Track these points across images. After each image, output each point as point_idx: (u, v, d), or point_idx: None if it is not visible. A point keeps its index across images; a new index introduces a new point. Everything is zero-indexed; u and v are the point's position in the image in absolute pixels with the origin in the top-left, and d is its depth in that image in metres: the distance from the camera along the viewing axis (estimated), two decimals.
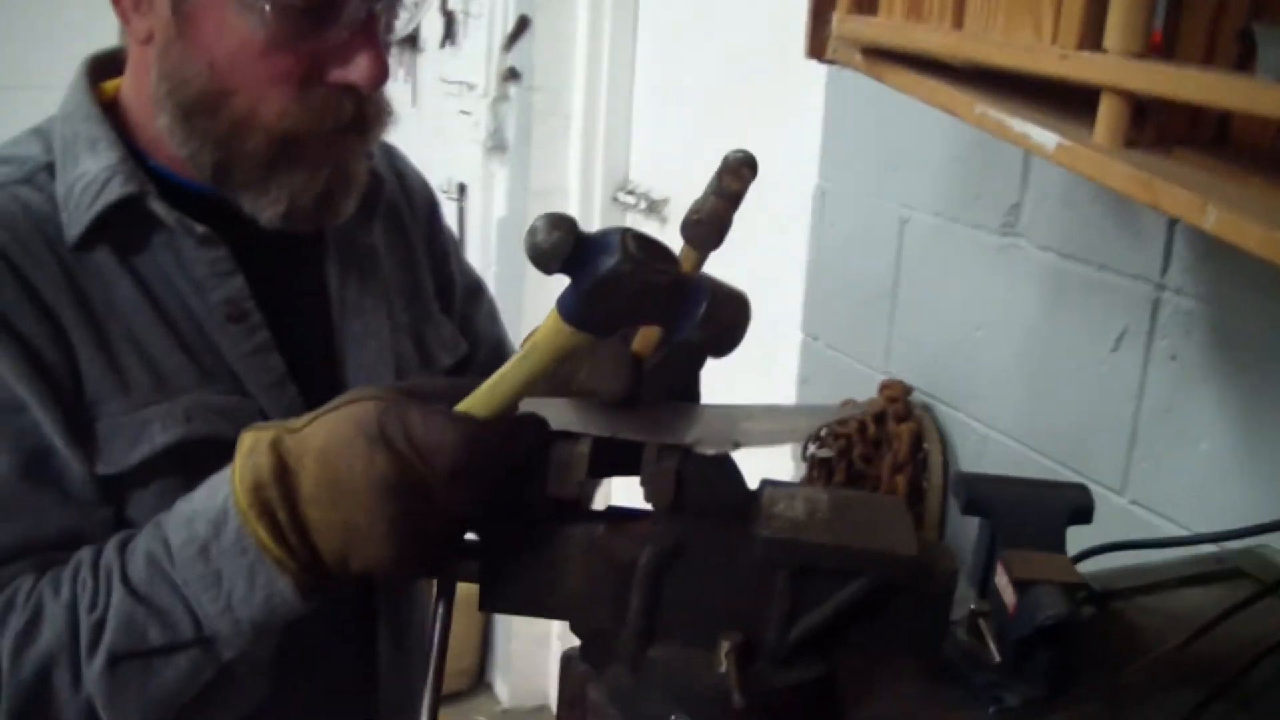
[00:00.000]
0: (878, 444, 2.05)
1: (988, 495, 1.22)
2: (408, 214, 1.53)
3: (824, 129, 2.35)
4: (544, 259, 0.91)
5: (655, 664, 1.05)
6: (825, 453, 2.08)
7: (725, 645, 1.02)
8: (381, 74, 1.23)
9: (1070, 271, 1.81)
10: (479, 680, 4.33)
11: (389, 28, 1.28)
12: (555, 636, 4.07)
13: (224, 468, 1.06)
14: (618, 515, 1.08)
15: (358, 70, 1.21)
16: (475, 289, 1.64)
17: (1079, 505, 1.22)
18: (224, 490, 1.03)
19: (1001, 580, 1.17)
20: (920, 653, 1.08)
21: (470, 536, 1.08)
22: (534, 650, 4.12)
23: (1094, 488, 1.71)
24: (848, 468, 2.06)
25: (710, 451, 1.03)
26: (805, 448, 2.12)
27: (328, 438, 1.00)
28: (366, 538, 1.00)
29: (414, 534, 1.01)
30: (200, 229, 1.26)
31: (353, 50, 1.21)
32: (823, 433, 2.12)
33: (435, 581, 1.11)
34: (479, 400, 1.02)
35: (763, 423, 1.12)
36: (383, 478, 0.98)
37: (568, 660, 1.14)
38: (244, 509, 1.01)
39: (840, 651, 1.07)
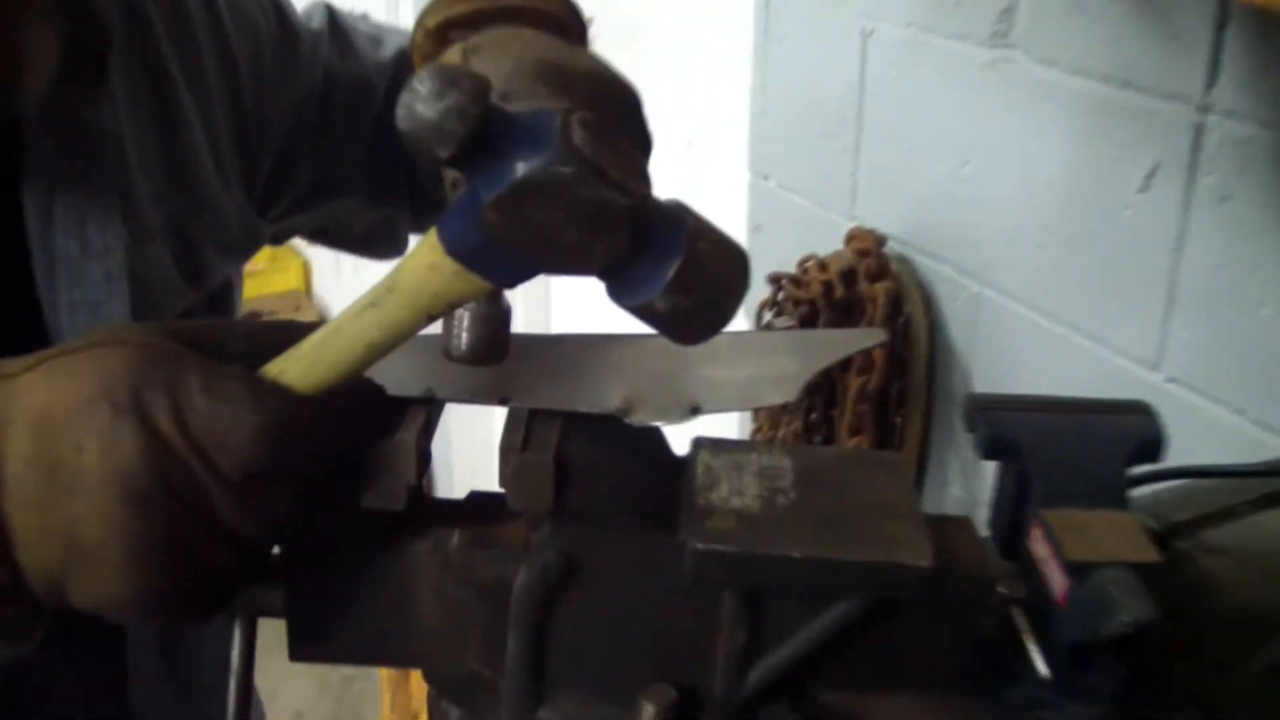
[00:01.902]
0: (848, 309, 1.74)
1: (1017, 429, 0.88)
2: (209, 40, 1.11)
3: None
4: (428, 138, 0.59)
5: None
6: (784, 322, 1.77)
7: (650, 709, 0.70)
8: None
9: (1081, 91, 1.50)
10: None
11: None
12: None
13: None
14: (481, 509, 0.75)
15: None
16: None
17: (1144, 438, 0.88)
18: None
19: (1042, 551, 0.84)
20: (933, 686, 0.76)
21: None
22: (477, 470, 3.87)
23: (1120, 361, 1.45)
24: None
25: (643, 421, 0.69)
26: (760, 317, 1.79)
27: (51, 398, 0.66)
28: (96, 561, 0.66)
29: (174, 561, 0.66)
30: None
31: None
32: (779, 297, 1.78)
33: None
34: (301, 361, 0.68)
35: (731, 366, 0.77)
36: (128, 474, 0.64)
37: (436, 699, 0.80)
38: None
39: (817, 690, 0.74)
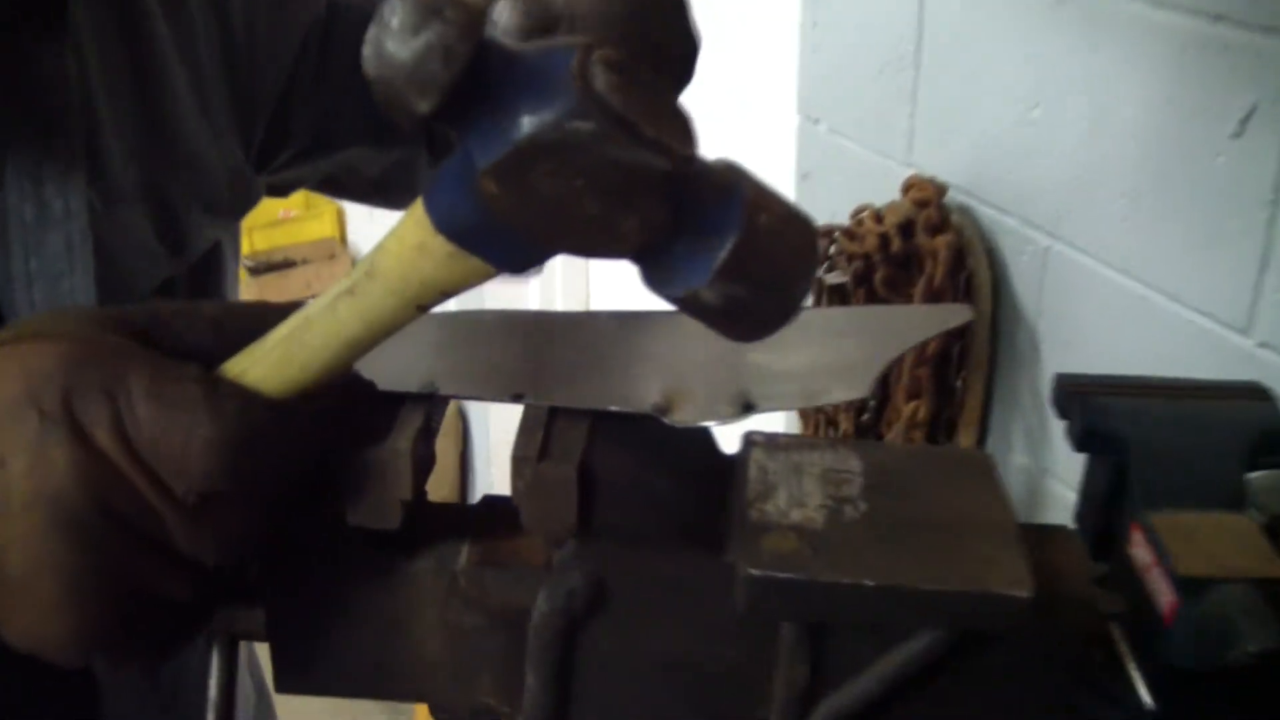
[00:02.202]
0: (905, 263, 1.66)
1: (1118, 418, 0.77)
2: None
3: None
4: (402, 86, 0.48)
5: None
6: (836, 278, 1.68)
7: None
8: None
9: (1167, 27, 1.41)
10: (463, 502, 3.99)
11: None
12: None
13: None
14: (495, 519, 0.64)
15: None
16: None
17: (1265, 429, 0.77)
18: None
19: (1144, 557, 0.73)
20: None
21: None
22: None
23: (1206, 325, 1.36)
24: (868, 296, 1.68)
25: (686, 421, 0.59)
26: None
27: None
28: (25, 596, 0.56)
29: (116, 595, 0.56)
30: None
31: None
32: (831, 251, 1.69)
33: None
34: (269, 358, 0.57)
35: (791, 352, 0.64)
36: (59, 496, 0.54)
37: None
38: None
39: None
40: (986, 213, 1.69)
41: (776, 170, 2.09)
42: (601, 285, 3.25)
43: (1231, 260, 1.34)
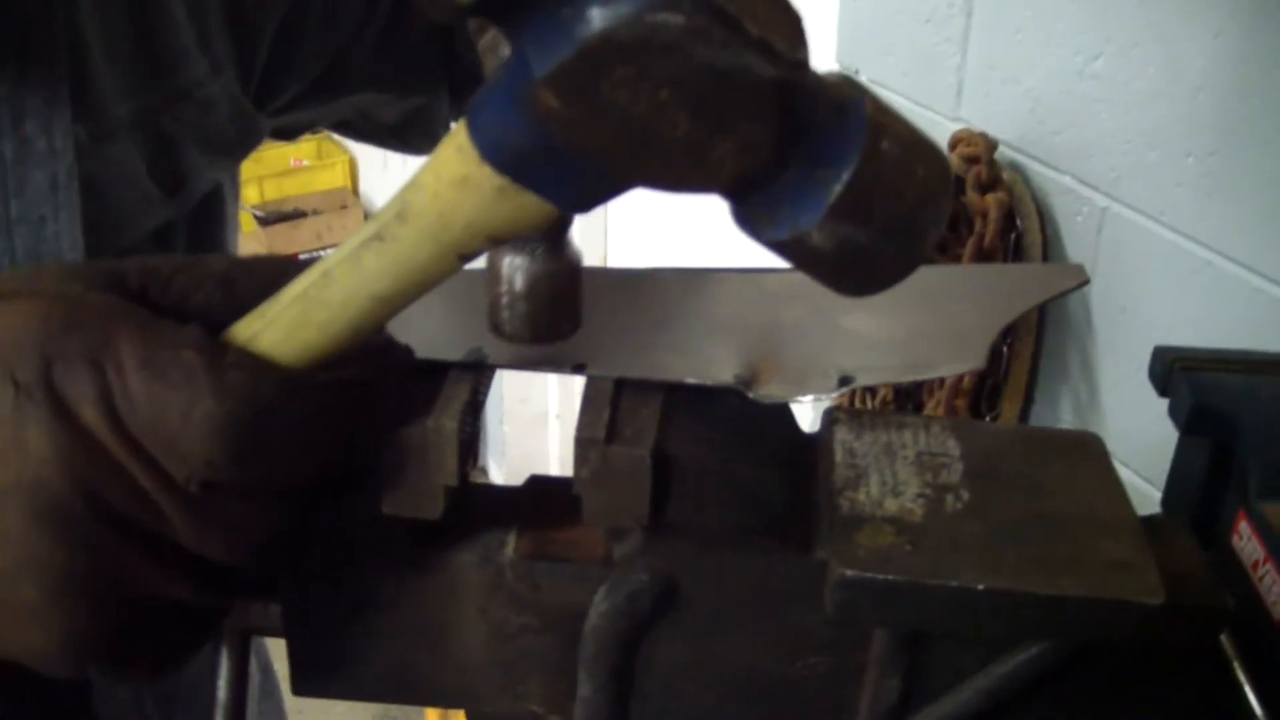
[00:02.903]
0: (953, 224, 1.60)
1: (1230, 397, 0.70)
2: None
3: None
4: None
5: None
6: None
7: None
8: None
9: None
10: (473, 466, 3.95)
11: None
12: (554, 417, 3.71)
13: None
14: (544, 503, 0.57)
15: None
16: None
17: None
18: None
19: (1254, 553, 0.67)
20: None
21: None
22: (534, 431, 3.74)
23: (1277, 293, 1.29)
24: None
25: (774, 396, 0.51)
26: None
27: None
28: (5, 601, 0.49)
29: (110, 603, 0.49)
30: None
31: None
32: None
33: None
34: (282, 319, 0.49)
35: (889, 316, 0.56)
36: (43, 485, 0.46)
37: None
38: None
39: None
40: (1039, 170, 1.64)
41: None
42: (620, 243, 3.17)
43: None
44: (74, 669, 0.49)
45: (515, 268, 0.52)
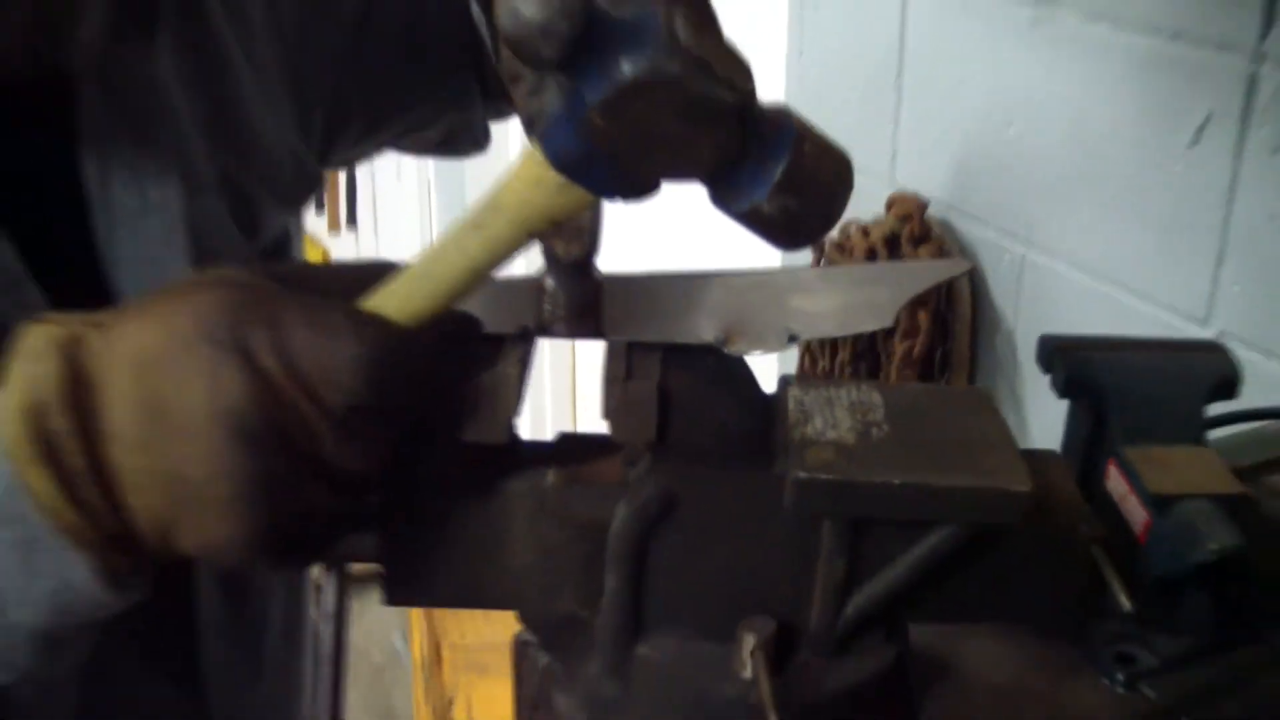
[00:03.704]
0: None
1: (1096, 368, 0.88)
2: None
3: None
4: (534, 40, 0.58)
5: (647, 667, 0.73)
6: None
7: (750, 639, 0.70)
8: None
9: (1129, 46, 1.49)
10: None
11: None
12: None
13: None
14: (573, 449, 0.75)
15: None
16: None
17: (1221, 375, 0.88)
18: None
19: (1120, 489, 0.85)
20: (1036, 620, 0.77)
21: None
22: None
23: (1168, 318, 1.45)
24: None
25: (747, 350, 0.70)
26: None
27: (151, 341, 0.65)
28: (204, 502, 0.65)
29: (280, 501, 0.66)
30: None
31: None
32: (822, 262, 1.78)
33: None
34: (399, 292, 0.67)
35: (822, 296, 0.77)
36: (234, 411, 0.63)
37: (523, 647, 0.80)
38: (16, 446, 0.65)
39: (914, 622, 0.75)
40: (966, 225, 1.76)
41: None
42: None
43: (1191, 258, 1.42)
44: (250, 556, 0.66)
45: (556, 286, 0.72)
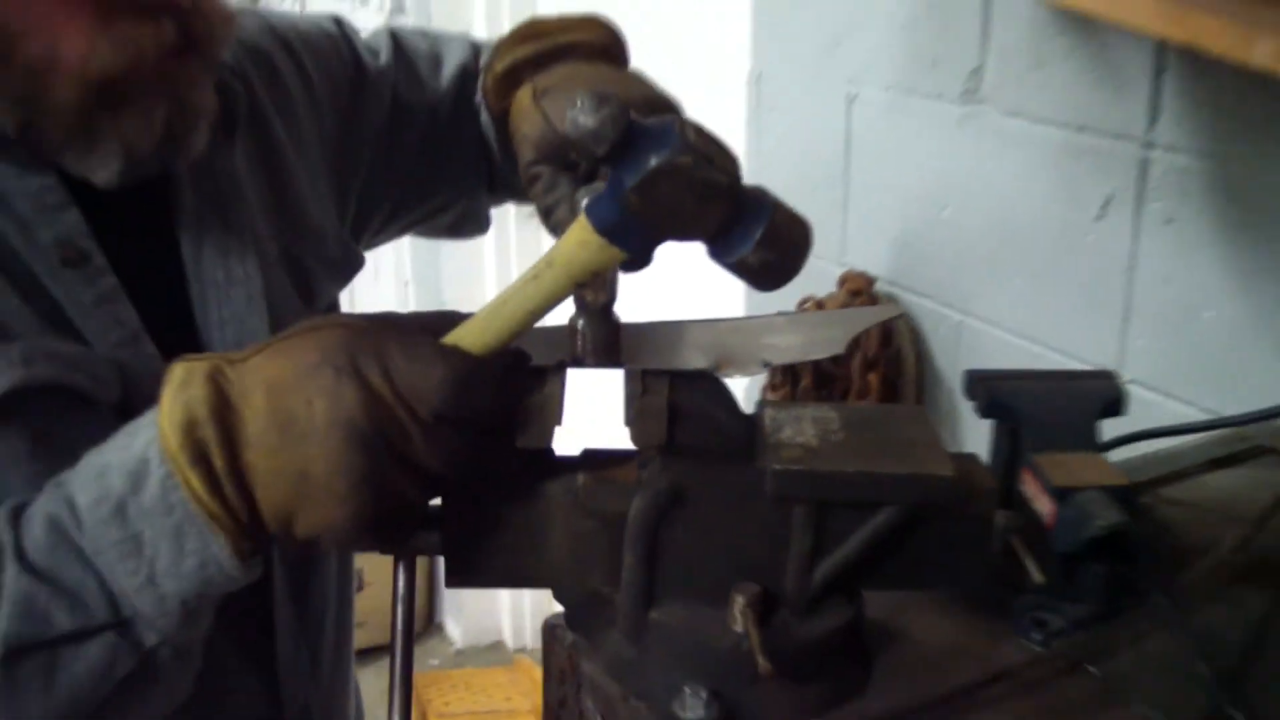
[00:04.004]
0: None
1: (1011, 394, 1.08)
2: (299, 89, 1.31)
3: (754, 9, 2.25)
4: (590, 141, 0.79)
5: (658, 629, 0.91)
6: None
7: (740, 600, 0.88)
8: None
9: (1043, 137, 1.69)
10: (430, 622, 4.25)
11: None
12: None
13: (67, 430, 0.95)
14: (597, 459, 0.94)
15: None
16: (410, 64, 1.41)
17: (1110, 396, 1.09)
18: (146, 434, 0.87)
19: (1032, 488, 1.04)
20: (961, 583, 0.96)
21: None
22: (484, 590, 3.94)
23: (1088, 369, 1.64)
24: (814, 369, 1.93)
25: (734, 374, 0.89)
26: None
27: (282, 367, 0.85)
28: (323, 493, 0.84)
29: (381, 492, 0.85)
30: (19, 151, 1.03)
31: None
32: None
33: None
34: (472, 329, 0.87)
35: (788, 335, 0.98)
36: (351, 420, 0.83)
37: (552, 629, 0.99)
38: (174, 452, 0.84)
39: (867, 589, 0.94)
40: (909, 297, 1.94)
41: (726, 283, 2.31)
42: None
43: (1102, 318, 1.61)
44: (355, 538, 0.86)
45: (586, 328, 0.92)
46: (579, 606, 0.96)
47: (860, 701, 0.92)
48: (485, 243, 3.51)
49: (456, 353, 0.85)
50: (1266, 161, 1.43)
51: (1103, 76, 1.58)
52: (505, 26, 3.18)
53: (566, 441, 0.88)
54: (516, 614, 4.08)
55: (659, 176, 0.78)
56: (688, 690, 0.87)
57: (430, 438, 0.84)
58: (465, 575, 0.94)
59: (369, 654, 2.04)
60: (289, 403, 0.83)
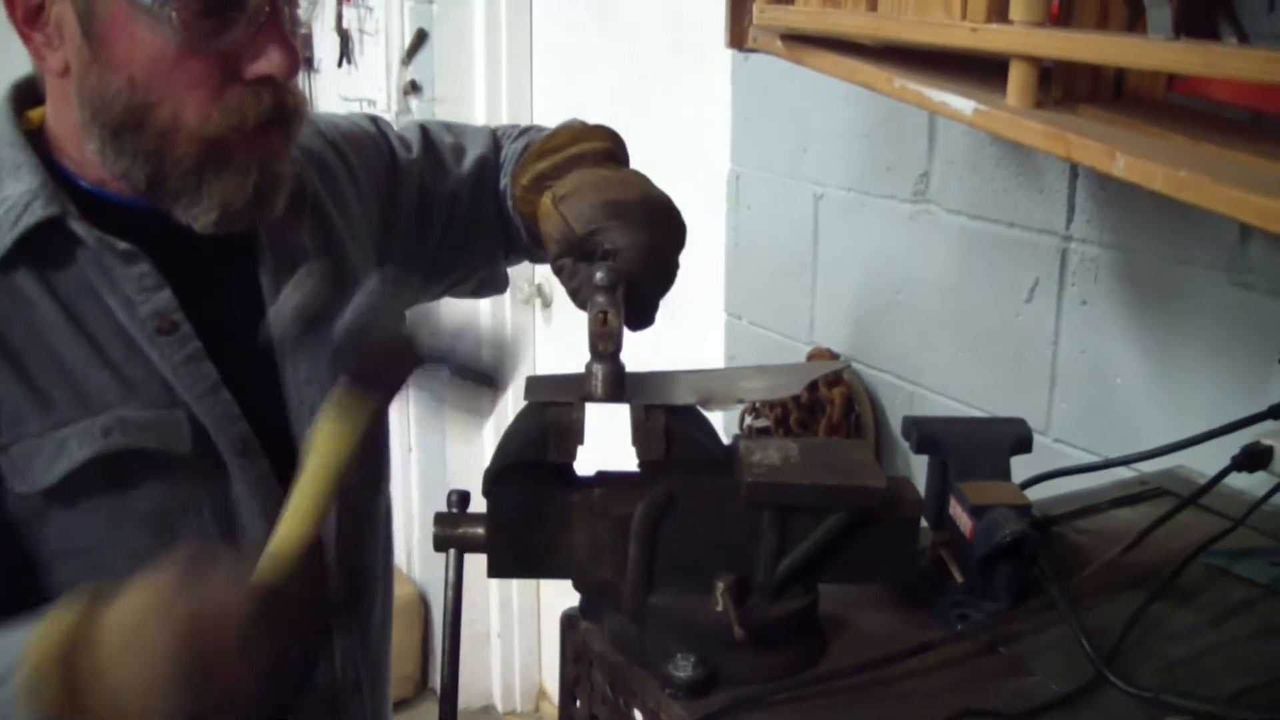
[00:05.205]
0: (812, 409, 2.10)
1: (938, 433, 1.32)
2: (347, 182, 1.52)
3: (733, 116, 2.41)
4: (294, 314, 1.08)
5: (656, 610, 1.13)
6: (762, 422, 2.15)
7: (720, 585, 1.10)
8: (293, 60, 1.23)
9: (981, 231, 1.90)
10: (423, 686, 4.31)
11: (293, 19, 1.27)
12: (495, 636, 4.09)
13: (145, 484, 1.21)
14: (609, 478, 1.17)
15: (269, 61, 1.22)
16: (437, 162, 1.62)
17: (1020, 436, 1.32)
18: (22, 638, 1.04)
19: (956, 510, 1.28)
20: (895, 575, 1.18)
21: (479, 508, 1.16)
22: (475, 652, 4.08)
23: None
24: (785, 434, 2.14)
25: (716, 409, 1.12)
26: (742, 419, 2.21)
27: (127, 606, 1.03)
28: (161, 692, 1.01)
29: (206, 687, 1.01)
30: (122, 245, 1.26)
31: (261, 43, 1.22)
32: (758, 404, 2.20)
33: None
34: (282, 539, 1.07)
35: (759, 381, 1.21)
36: (173, 643, 1.01)
37: (569, 619, 1.22)
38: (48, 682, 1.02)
39: (821, 581, 1.17)
40: (868, 371, 2.12)
41: (709, 354, 2.47)
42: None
43: (1031, 385, 1.82)
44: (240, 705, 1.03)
45: (595, 372, 1.16)
46: (591, 597, 1.19)
47: (817, 669, 1.15)
48: None
49: (252, 588, 1.03)
50: (1162, 251, 1.64)
51: (1028, 181, 1.80)
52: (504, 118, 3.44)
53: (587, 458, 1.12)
54: (507, 677, 4.14)
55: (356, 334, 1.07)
56: (679, 656, 1.09)
57: (240, 651, 1.01)
58: (502, 567, 1.17)
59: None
60: (134, 632, 1.01)
